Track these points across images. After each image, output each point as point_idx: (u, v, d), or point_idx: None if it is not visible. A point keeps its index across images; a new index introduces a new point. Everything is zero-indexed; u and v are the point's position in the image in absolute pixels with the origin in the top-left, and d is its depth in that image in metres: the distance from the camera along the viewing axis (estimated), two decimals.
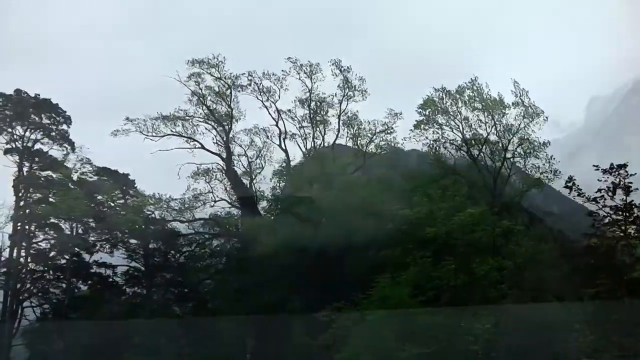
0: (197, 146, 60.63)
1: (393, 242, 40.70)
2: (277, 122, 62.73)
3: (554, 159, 52.48)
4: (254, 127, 62.85)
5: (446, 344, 30.65)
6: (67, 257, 53.82)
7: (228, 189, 61.30)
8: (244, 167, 62.66)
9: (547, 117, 53.86)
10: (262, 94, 61.99)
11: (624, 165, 38.78)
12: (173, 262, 57.31)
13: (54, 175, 54.73)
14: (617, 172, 38.96)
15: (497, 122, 52.64)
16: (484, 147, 52.53)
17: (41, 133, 54.88)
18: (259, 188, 62.28)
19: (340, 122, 62.35)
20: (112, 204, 57.52)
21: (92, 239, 55.20)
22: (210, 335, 45.95)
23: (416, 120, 54.24)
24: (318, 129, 62.57)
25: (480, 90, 53.25)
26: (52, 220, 53.63)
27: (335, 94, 62.32)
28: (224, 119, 61.51)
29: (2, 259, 51.56)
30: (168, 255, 57.16)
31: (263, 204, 61.45)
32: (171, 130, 59.93)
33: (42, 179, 54.34)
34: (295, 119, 63.05)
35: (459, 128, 53.37)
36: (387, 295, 33.95)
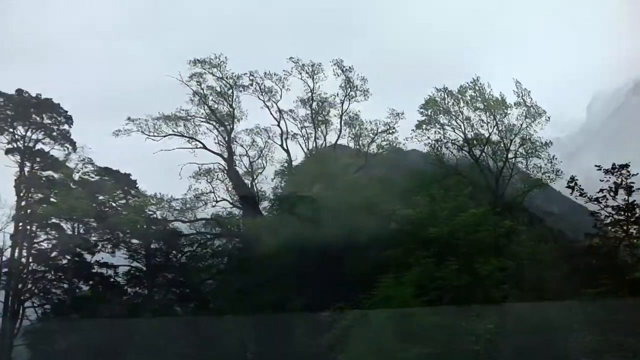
0: (198, 146, 60.83)
1: (395, 242, 40.65)
2: (278, 122, 63.02)
3: (556, 158, 52.54)
4: (256, 127, 63.13)
5: (448, 345, 30.62)
6: (68, 257, 53.83)
7: (230, 189, 61.48)
8: (246, 167, 62.82)
9: (549, 117, 54.05)
10: (263, 94, 62.23)
11: (626, 166, 38.79)
12: (175, 262, 57.37)
13: (56, 175, 54.86)
14: (619, 172, 38.99)
15: (499, 122, 52.70)
16: (486, 147, 52.54)
17: (42, 133, 54.92)
18: (261, 188, 62.57)
19: (342, 122, 62.52)
20: (114, 204, 57.63)
21: (94, 239, 55.22)
22: (212, 335, 45.88)
23: (418, 120, 54.43)
24: (320, 129, 62.73)
25: (482, 90, 53.31)
26: (54, 220, 53.67)
27: (337, 94, 62.50)
28: (226, 119, 61.60)
29: (4, 259, 51.67)
30: (170, 256, 57.21)
31: (265, 204, 61.63)
32: (173, 130, 60.08)
33: (44, 179, 54.46)
34: (297, 119, 63.27)
35: (460, 128, 53.49)
36: (390, 296, 33.89)
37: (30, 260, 53.16)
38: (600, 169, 39.66)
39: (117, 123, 58.59)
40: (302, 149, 63.41)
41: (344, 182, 53.41)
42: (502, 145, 52.59)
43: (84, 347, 46.00)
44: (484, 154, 52.92)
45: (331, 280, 43.98)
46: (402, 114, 60.57)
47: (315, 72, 61.96)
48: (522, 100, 52.70)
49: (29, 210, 52.84)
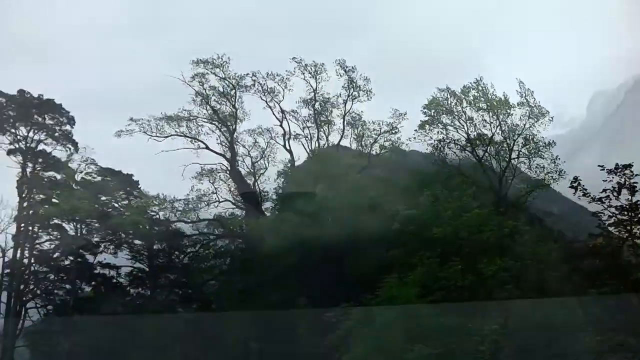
0: (201, 146, 60.76)
1: (398, 242, 40.62)
2: (281, 123, 62.94)
3: (559, 158, 52.46)
4: (258, 128, 63.08)
5: (454, 345, 30.56)
6: (70, 258, 53.85)
7: (232, 189, 61.44)
8: (248, 167, 62.79)
9: (552, 118, 54.03)
10: (266, 94, 62.14)
11: (630, 165, 38.72)
12: (177, 263, 57.39)
13: (58, 176, 54.94)
14: (622, 172, 38.95)
15: (502, 123, 52.66)
16: (489, 147, 52.50)
17: (44, 133, 54.86)
18: (263, 189, 62.48)
19: (345, 122, 62.56)
20: (116, 205, 57.70)
21: (96, 239, 55.17)
22: (215, 335, 45.84)
23: (421, 121, 54.30)
24: (322, 129, 62.73)
25: (485, 90, 53.26)
26: (56, 221, 53.74)
27: (340, 94, 62.47)
28: (228, 120, 61.58)
29: (6, 260, 51.61)
30: (172, 256, 57.21)
31: (267, 204, 61.65)
32: (175, 131, 60.01)
33: (46, 179, 54.48)
34: (300, 119, 63.29)
35: (463, 128, 53.43)
36: (394, 296, 33.86)
37: (33, 261, 53.11)
38: (603, 169, 39.63)
39: (120, 123, 58.70)
40: (305, 149, 63.52)
41: (347, 182, 53.37)
42: (505, 145, 52.53)
43: (86, 348, 46.05)
44: (486, 154, 52.82)
45: (334, 281, 44.01)
46: (405, 114, 60.79)
47: (318, 72, 62.03)
48: (525, 100, 52.64)
49: (31, 211, 52.78)
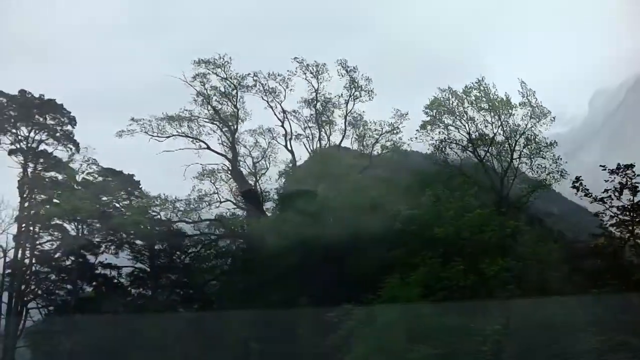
0: (202, 147, 60.76)
1: (400, 242, 40.60)
2: (282, 123, 62.97)
3: (561, 159, 52.36)
4: (259, 128, 63.11)
5: (455, 345, 30.53)
6: (71, 258, 53.87)
7: (233, 189, 61.38)
8: (249, 167, 62.83)
9: (554, 118, 53.98)
10: (267, 94, 62.11)
11: (632, 166, 38.74)
12: (178, 263, 57.37)
13: (59, 176, 54.90)
14: (624, 172, 38.94)
15: (503, 123, 52.56)
16: (490, 147, 52.42)
17: (46, 134, 54.85)
18: (265, 189, 62.51)
19: (346, 122, 62.56)
20: (117, 205, 57.72)
21: (97, 240, 55.19)
22: (216, 335, 45.85)
23: (423, 121, 54.21)
24: (324, 129, 62.77)
25: (487, 90, 53.17)
26: (57, 221, 53.73)
27: (342, 94, 62.50)
28: (230, 120, 61.55)
29: (7, 260, 51.55)
30: (173, 257, 57.19)
31: (268, 204, 61.61)
32: (176, 131, 60.04)
33: (47, 179, 54.45)
34: (301, 119, 63.36)
35: (465, 128, 53.32)
36: (396, 296, 33.85)
37: (34, 261, 53.17)
38: (605, 169, 39.63)
39: (121, 124, 58.69)
40: (306, 149, 63.59)
41: (348, 182, 53.31)
42: (506, 145, 52.46)
43: (87, 348, 46.05)
44: (488, 154, 52.75)
45: (335, 281, 43.97)
46: (407, 114, 60.87)
47: (320, 72, 62.06)
48: (527, 101, 52.54)
49: (32, 211, 52.80)
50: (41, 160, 54.37)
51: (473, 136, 53.20)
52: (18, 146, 53.82)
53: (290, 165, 62.90)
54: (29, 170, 53.86)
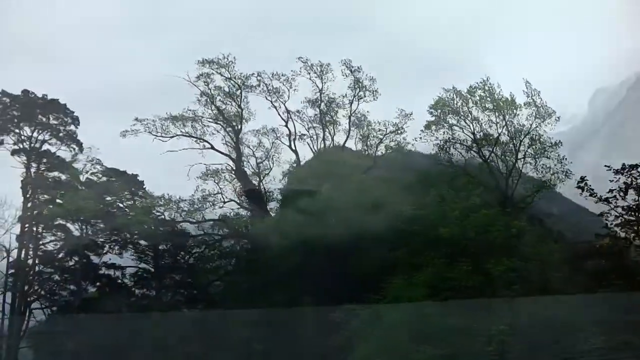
0: (206, 147, 60.80)
1: (404, 243, 40.57)
2: (286, 123, 62.94)
3: (565, 159, 52.29)
4: (263, 128, 63.01)
5: (461, 345, 30.47)
6: (75, 258, 53.66)
7: (237, 189, 61.32)
8: (253, 168, 62.74)
9: (559, 117, 53.95)
10: (271, 94, 62.07)
11: (637, 165, 38.68)
12: (182, 264, 57.13)
13: (62, 176, 54.70)
14: (629, 172, 38.86)
15: (508, 123, 52.49)
16: (495, 147, 52.34)
17: (49, 134, 54.60)
18: (269, 189, 62.48)
19: (351, 122, 62.44)
20: (121, 205, 57.55)
21: (101, 240, 54.91)
22: (220, 335, 45.73)
23: (427, 121, 54.17)
24: (328, 129, 62.67)
25: (492, 90, 53.12)
26: (60, 221, 53.50)
27: (346, 95, 62.38)
28: (234, 120, 61.55)
29: (10, 260, 51.42)
30: (177, 257, 56.96)
31: (272, 204, 61.54)
32: (180, 131, 60.02)
33: (50, 180, 54.24)
34: (305, 119, 63.29)
35: (469, 128, 53.26)
36: (401, 296, 33.81)
37: (37, 261, 52.98)
38: (609, 169, 39.56)
39: (125, 124, 58.81)
40: (310, 149, 63.52)
41: (352, 182, 53.18)
42: (511, 145, 52.38)
43: (91, 348, 45.95)
44: (493, 155, 52.66)
45: (339, 280, 43.88)
46: (411, 114, 60.68)
47: (324, 72, 61.97)
48: (531, 101, 52.50)
49: (35, 212, 52.63)
50: (44, 160, 54.18)
51: (477, 136, 53.17)
52: (21, 146, 53.59)
53: (294, 165, 62.81)
54: (32, 170, 53.68)
